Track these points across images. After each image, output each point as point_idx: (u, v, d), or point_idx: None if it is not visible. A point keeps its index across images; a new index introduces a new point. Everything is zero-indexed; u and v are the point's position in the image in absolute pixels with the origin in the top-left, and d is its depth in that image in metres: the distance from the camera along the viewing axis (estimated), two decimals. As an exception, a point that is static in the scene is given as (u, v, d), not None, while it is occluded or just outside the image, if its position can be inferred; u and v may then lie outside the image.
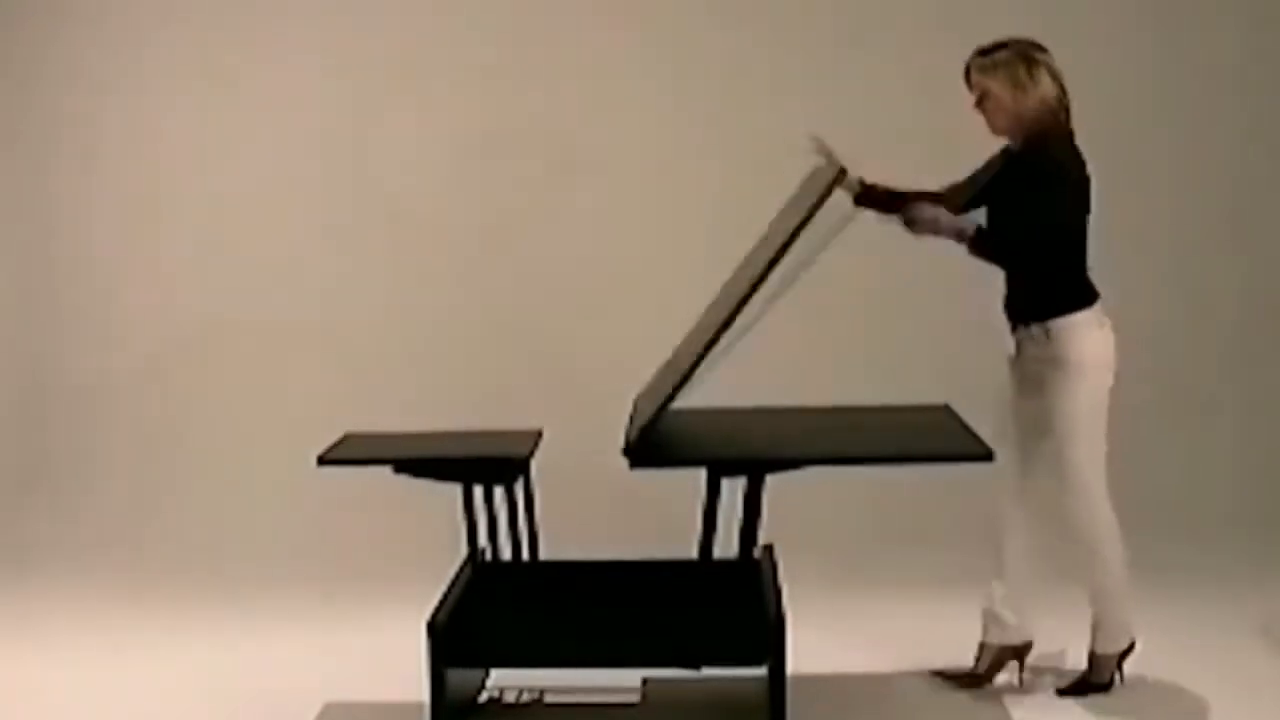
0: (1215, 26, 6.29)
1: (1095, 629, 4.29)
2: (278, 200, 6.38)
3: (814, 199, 3.94)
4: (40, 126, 6.44)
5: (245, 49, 6.33)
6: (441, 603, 4.02)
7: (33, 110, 6.42)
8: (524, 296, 6.29)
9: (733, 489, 4.00)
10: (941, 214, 4.17)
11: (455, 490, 4.33)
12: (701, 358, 3.83)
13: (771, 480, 3.94)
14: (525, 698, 4.28)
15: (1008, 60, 4.16)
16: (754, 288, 3.85)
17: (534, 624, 4.06)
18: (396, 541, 5.76)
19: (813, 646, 4.54)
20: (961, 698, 4.30)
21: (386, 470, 4.25)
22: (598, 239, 6.31)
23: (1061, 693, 4.30)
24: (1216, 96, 6.32)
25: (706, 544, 4.03)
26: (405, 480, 4.28)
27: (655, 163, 6.29)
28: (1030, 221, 4.13)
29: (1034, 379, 4.26)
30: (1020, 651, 4.38)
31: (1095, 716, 4.15)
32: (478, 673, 4.28)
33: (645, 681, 4.34)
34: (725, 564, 4.10)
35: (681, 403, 4.19)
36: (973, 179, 4.40)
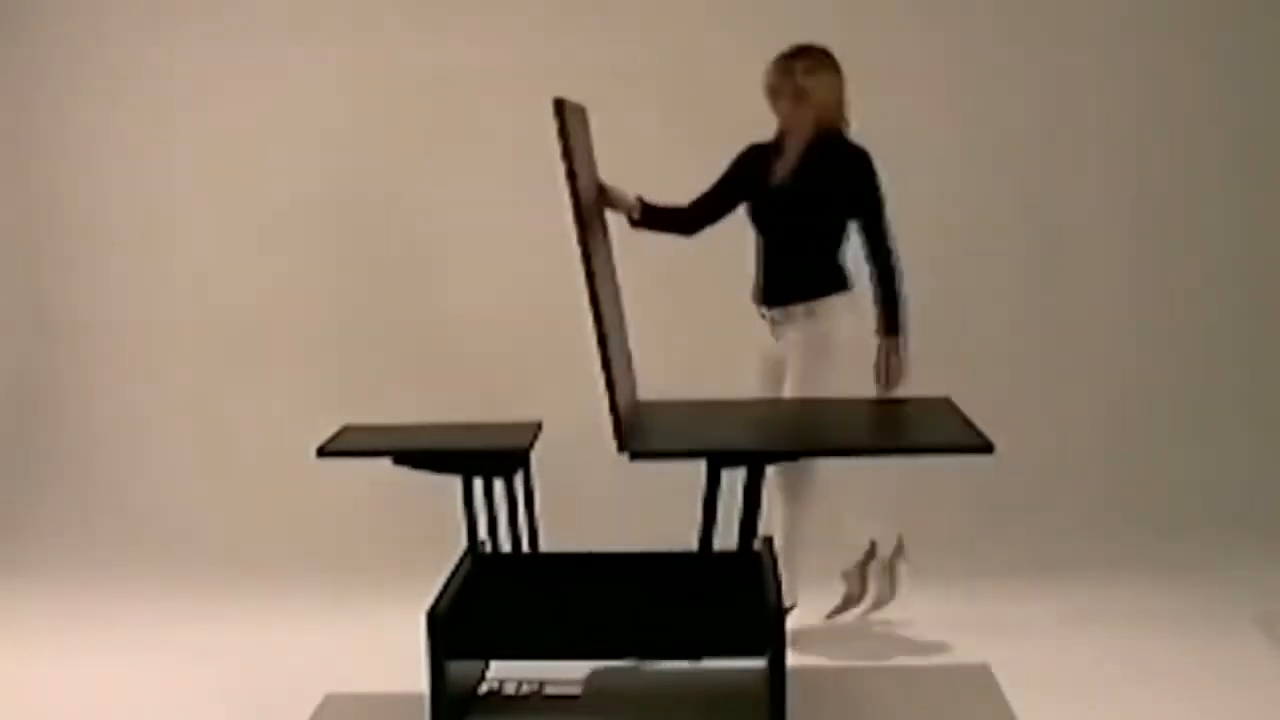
0: (1215, 27, 6.30)
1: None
2: (277, 198, 6.37)
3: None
4: (30, 123, 6.46)
5: (235, 56, 6.34)
6: (441, 594, 4.02)
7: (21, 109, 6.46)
8: (523, 290, 6.29)
9: (731, 480, 4.01)
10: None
11: (455, 482, 4.33)
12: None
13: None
14: (525, 689, 4.28)
15: (823, 65, 4.51)
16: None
17: (534, 616, 4.06)
18: (396, 533, 5.76)
19: (813, 639, 4.54)
20: (962, 691, 4.30)
21: (386, 462, 4.25)
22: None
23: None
24: (1218, 96, 6.32)
25: (706, 536, 4.03)
26: (405, 472, 4.28)
27: (651, 163, 6.29)
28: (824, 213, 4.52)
29: (790, 356, 4.54)
30: (872, 552, 4.71)
31: (1095, 714, 4.14)
32: (477, 664, 4.28)
33: (646, 673, 4.33)
34: (725, 555, 4.10)
35: (683, 395, 4.21)
36: (727, 181, 4.65)
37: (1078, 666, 4.47)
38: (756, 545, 4.15)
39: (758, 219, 4.62)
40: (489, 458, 4.28)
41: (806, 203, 4.52)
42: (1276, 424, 6.30)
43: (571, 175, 3.94)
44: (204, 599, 5.32)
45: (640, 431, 3.98)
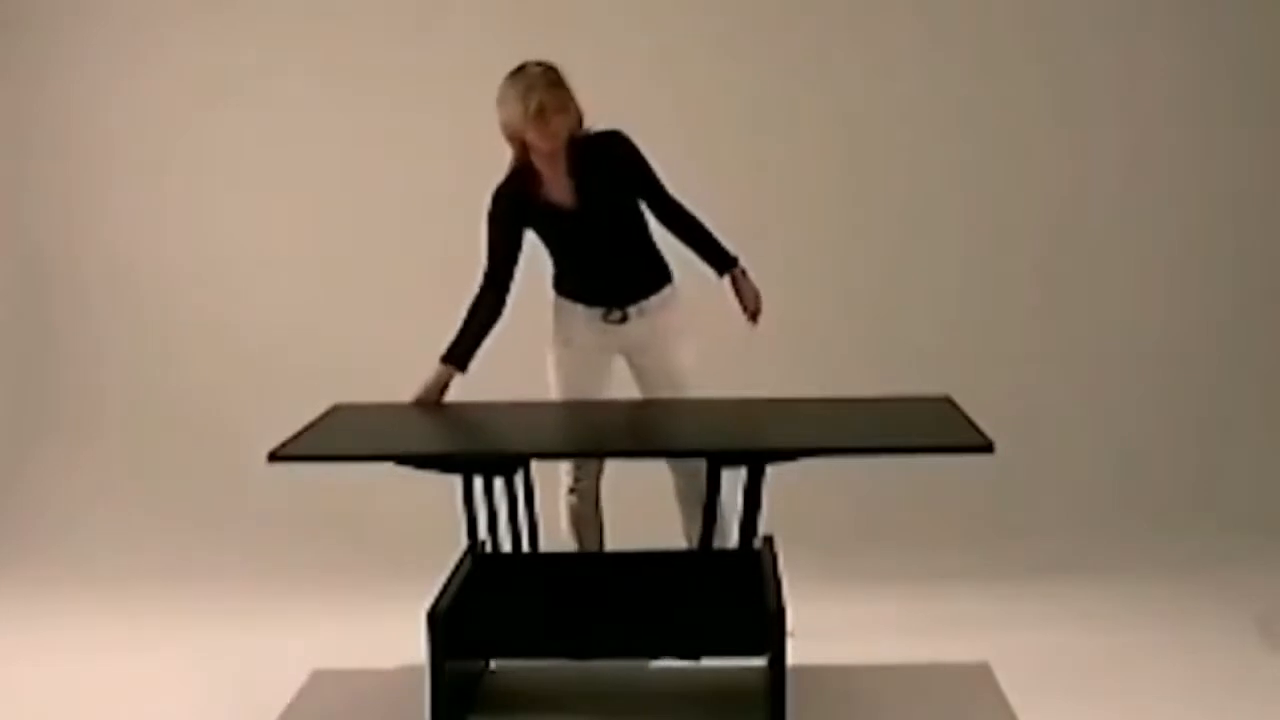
0: (1233, 23, 6.30)
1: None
2: (278, 195, 6.38)
3: None
4: (35, 119, 6.46)
5: (240, 50, 6.34)
6: (441, 594, 4.01)
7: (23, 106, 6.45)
8: (524, 288, 6.28)
9: (733, 480, 4.01)
10: None
11: (455, 481, 4.33)
12: None
13: (772, 471, 3.94)
14: (525, 689, 4.27)
15: (556, 74, 4.43)
16: None
17: (534, 615, 4.06)
18: (396, 533, 5.76)
19: (813, 638, 4.54)
20: (962, 691, 4.30)
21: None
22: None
23: None
24: (1225, 95, 6.32)
25: (707, 535, 4.03)
26: (405, 471, 4.28)
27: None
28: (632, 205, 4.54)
29: (647, 348, 4.58)
30: None
31: (1095, 714, 4.14)
32: (477, 664, 4.28)
33: (647, 673, 4.34)
34: (725, 555, 4.10)
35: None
36: (505, 235, 4.67)
37: (1078, 666, 4.46)
38: (756, 545, 4.15)
39: (559, 240, 4.60)
40: (489, 457, 4.28)
41: (605, 208, 4.50)
42: (1277, 424, 6.30)
43: None
44: (203, 599, 5.31)
45: (640, 431, 3.98)
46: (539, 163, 4.49)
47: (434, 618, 3.86)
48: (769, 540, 4.38)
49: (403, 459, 4.04)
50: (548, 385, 4.67)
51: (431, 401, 4.48)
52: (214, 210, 6.41)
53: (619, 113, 4.53)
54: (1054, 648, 4.61)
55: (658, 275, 4.61)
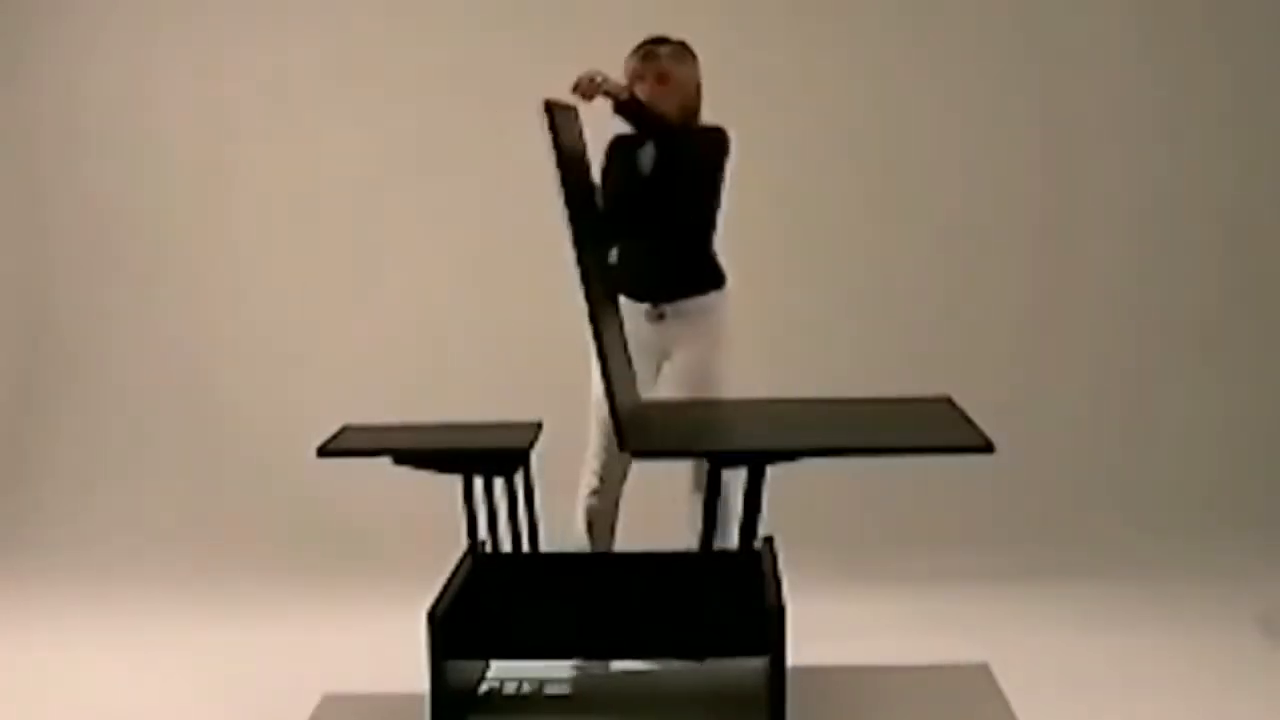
0: (1222, 24, 6.31)
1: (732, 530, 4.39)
2: (277, 197, 6.39)
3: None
4: (41, 116, 6.46)
5: (248, 50, 6.35)
6: (441, 594, 4.01)
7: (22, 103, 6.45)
8: (524, 288, 6.30)
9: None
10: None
11: (455, 482, 4.33)
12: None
13: (772, 471, 3.94)
14: (525, 689, 4.28)
15: (686, 54, 4.51)
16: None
17: (534, 615, 4.06)
18: (397, 533, 5.77)
19: (813, 638, 4.54)
20: (962, 691, 4.30)
21: (386, 462, 4.25)
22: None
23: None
24: (1220, 98, 6.33)
25: (707, 535, 4.03)
26: (405, 472, 4.28)
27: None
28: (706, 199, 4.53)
29: (678, 350, 4.54)
30: None
31: (1096, 715, 4.13)
32: (478, 664, 4.27)
33: (647, 673, 4.33)
34: (726, 555, 4.10)
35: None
36: (604, 175, 4.61)
37: (1078, 666, 4.47)
38: (757, 545, 4.15)
39: (625, 213, 4.56)
40: (489, 457, 4.28)
41: (675, 193, 4.48)
42: (1277, 424, 6.31)
43: (563, 178, 3.93)
44: (204, 599, 5.31)
45: (640, 431, 3.98)
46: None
47: (434, 618, 3.86)
48: (769, 540, 4.38)
49: (402, 456, 4.05)
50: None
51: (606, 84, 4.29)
52: (219, 210, 6.42)
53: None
54: (1054, 648, 4.61)
55: (705, 279, 4.55)
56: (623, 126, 4.46)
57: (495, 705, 4.19)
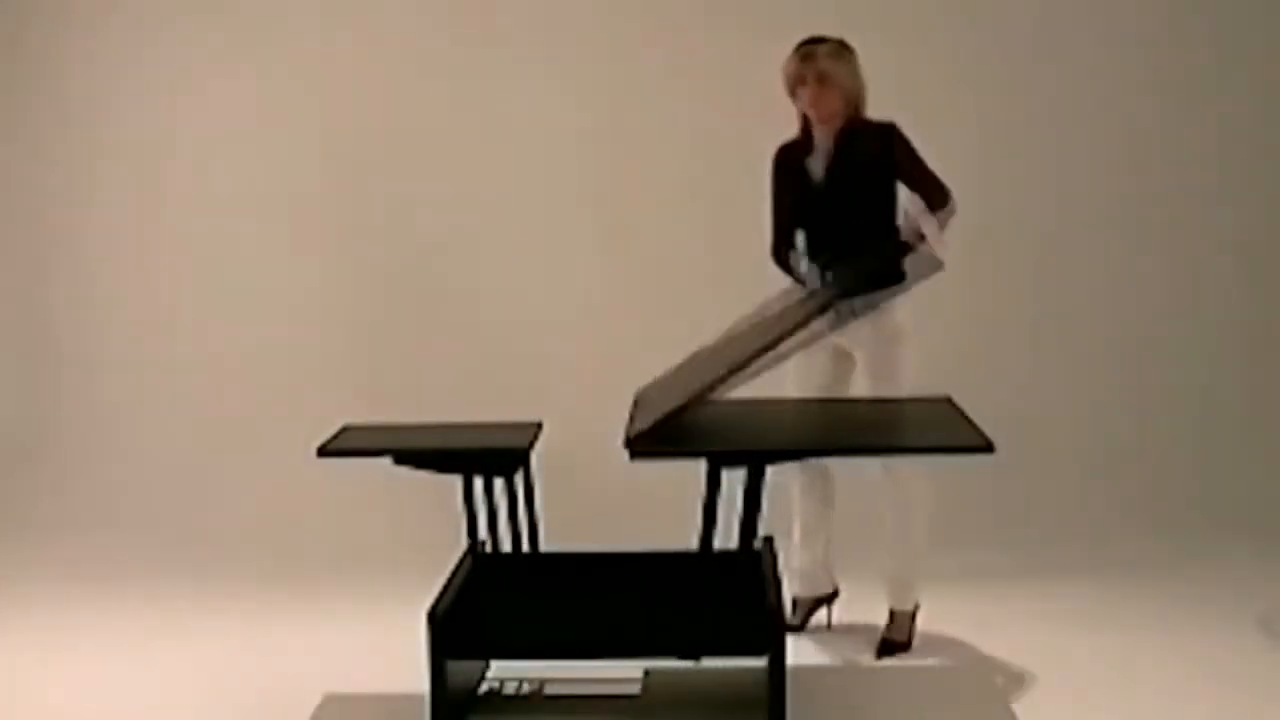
0: (1223, 19, 6.30)
1: (895, 586, 4.64)
2: (278, 197, 6.39)
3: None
4: (38, 125, 6.46)
5: (236, 57, 6.35)
6: (442, 594, 4.01)
7: (31, 109, 6.45)
8: (524, 288, 6.30)
9: (732, 481, 4.00)
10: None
11: (455, 482, 4.33)
12: (713, 388, 3.87)
13: (772, 472, 3.94)
14: (525, 689, 4.27)
15: (845, 51, 4.49)
16: (780, 339, 3.94)
17: (534, 615, 4.06)
18: (396, 533, 5.77)
19: (813, 638, 4.54)
20: (962, 691, 4.30)
21: (386, 462, 4.25)
22: (595, 232, 6.31)
23: (880, 655, 4.58)
24: (1222, 96, 6.32)
25: (706, 535, 4.02)
26: (405, 472, 4.28)
27: (649, 163, 6.29)
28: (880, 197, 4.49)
29: (859, 350, 4.55)
30: (829, 599, 4.84)
31: (1094, 715, 4.14)
32: (478, 664, 4.27)
33: (647, 673, 4.33)
34: (725, 555, 4.09)
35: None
36: (784, 199, 4.60)
37: (1077, 666, 4.47)
38: (757, 546, 4.14)
39: (802, 215, 4.57)
40: (489, 457, 4.28)
41: (848, 195, 4.48)
42: (1276, 424, 6.31)
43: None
44: (204, 599, 5.31)
45: (640, 431, 3.97)
46: (816, 132, 4.53)
47: (434, 618, 3.85)
48: (769, 540, 4.38)
49: (402, 456, 4.04)
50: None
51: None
52: (219, 210, 6.42)
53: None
54: (1053, 648, 4.61)
55: (884, 276, 4.48)
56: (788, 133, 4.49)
57: (495, 705, 4.19)
